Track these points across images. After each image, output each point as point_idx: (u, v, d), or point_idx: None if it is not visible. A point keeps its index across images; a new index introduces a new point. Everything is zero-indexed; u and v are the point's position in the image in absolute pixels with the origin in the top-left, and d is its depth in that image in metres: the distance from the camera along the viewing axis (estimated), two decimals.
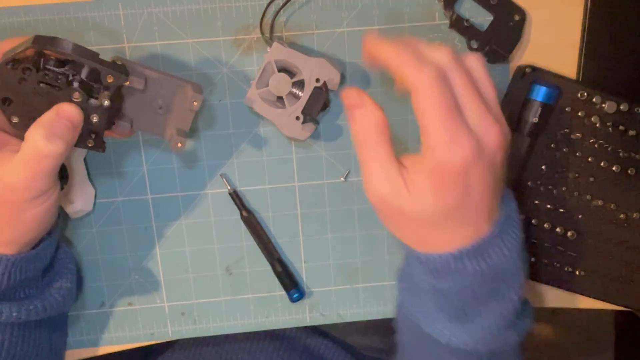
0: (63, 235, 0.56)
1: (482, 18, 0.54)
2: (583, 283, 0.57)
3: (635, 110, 0.54)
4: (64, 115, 0.43)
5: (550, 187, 0.56)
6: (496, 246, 0.43)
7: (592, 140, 0.55)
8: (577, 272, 0.57)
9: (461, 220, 0.42)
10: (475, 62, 0.43)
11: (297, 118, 0.52)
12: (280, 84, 0.52)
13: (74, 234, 0.56)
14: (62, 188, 0.53)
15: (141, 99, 0.47)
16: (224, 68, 0.54)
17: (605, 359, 1.30)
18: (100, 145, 0.46)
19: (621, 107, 0.54)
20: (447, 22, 0.54)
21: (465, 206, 0.41)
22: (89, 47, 0.46)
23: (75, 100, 0.44)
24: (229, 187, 0.56)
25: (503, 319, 0.46)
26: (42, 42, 0.42)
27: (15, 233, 0.46)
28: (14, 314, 0.47)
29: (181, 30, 0.53)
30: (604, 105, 0.54)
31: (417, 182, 0.41)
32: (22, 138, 0.43)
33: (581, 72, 0.55)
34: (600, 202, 0.56)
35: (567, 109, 0.54)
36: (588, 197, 0.56)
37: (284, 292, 0.58)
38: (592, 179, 0.55)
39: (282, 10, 0.53)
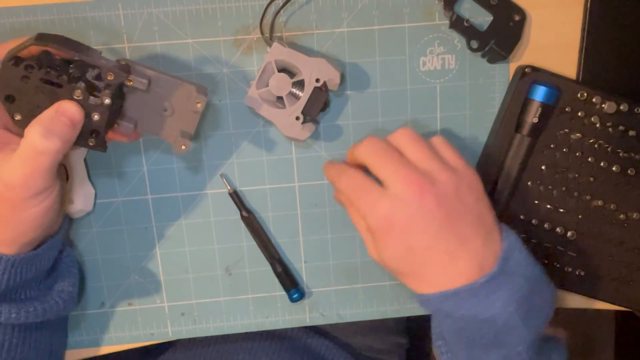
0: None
1: (482, 18, 0.54)
2: (583, 283, 0.57)
3: (635, 110, 0.54)
4: (64, 113, 0.43)
5: (550, 187, 0.56)
6: (483, 297, 0.45)
7: (592, 141, 0.55)
8: (577, 272, 0.57)
9: (427, 261, 0.46)
10: (400, 133, 0.49)
11: (297, 118, 0.52)
12: (280, 84, 0.52)
13: (74, 234, 0.56)
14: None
15: (146, 100, 0.47)
16: (224, 68, 0.54)
17: (605, 359, 1.30)
18: (101, 145, 0.46)
19: (621, 107, 0.54)
20: (447, 22, 0.54)
21: (418, 246, 0.46)
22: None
23: (77, 98, 0.44)
24: (229, 187, 0.56)
25: None
26: (44, 40, 0.42)
27: (14, 232, 0.46)
28: (13, 315, 0.47)
29: (181, 31, 0.53)
30: (604, 106, 0.54)
31: (373, 243, 0.48)
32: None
33: (581, 72, 0.55)
34: (600, 202, 0.56)
35: (567, 109, 0.54)
36: (588, 197, 0.56)
37: (283, 293, 0.58)
38: (592, 179, 0.55)
39: (282, 11, 0.53)
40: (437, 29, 0.55)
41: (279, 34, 0.54)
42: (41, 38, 0.43)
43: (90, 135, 0.45)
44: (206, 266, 0.58)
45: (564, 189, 0.55)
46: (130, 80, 0.45)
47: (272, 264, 0.58)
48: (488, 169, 0.55)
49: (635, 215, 0.56)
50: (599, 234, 0.56)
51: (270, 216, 0.57)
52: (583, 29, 0.54)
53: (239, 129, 0.56)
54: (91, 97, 0.44)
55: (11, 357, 0.49)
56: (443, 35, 0.55)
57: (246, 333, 0.60)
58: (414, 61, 0.55)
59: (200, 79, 0.54)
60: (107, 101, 0.44)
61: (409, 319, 0.76)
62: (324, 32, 0.54)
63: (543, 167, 0.55)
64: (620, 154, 0.55)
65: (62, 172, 0.52)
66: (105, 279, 0.57)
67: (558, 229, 0.56)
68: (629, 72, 0.55)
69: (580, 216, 0.56)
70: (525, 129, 0.54)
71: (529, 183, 0.55)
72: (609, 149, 0.55)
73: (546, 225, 0.56)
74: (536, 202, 0.56)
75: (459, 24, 0.53)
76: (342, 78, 0.54)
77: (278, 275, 0.58)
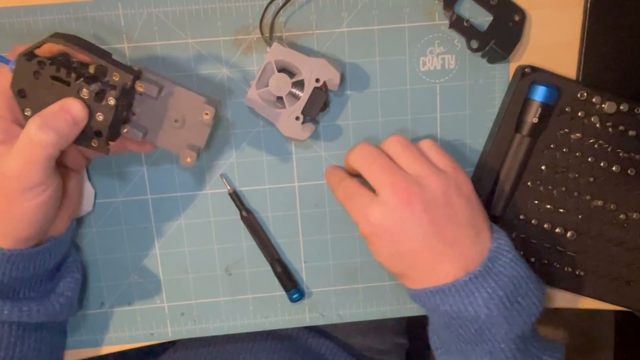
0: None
1: (482, 18, 0.54)
2: (583, 283, 0.57)
3: (635, 110, 0.54)
4: (67, 110, 0.44)
5: (550, 187, 0.56)
6: (465, 294, 0.47)
7: (592, 141, 0.55)
8: (577, 272, 0.57)
9: (416, 262, 0.48)
10: (390, 140, 0.51)
11: (297, 118, 0.52)
12: (280, 84, 0.52)
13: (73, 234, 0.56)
14: None
15: (157, 110, 0.47)
16: (223, 68, 0.54)
17: (605, 359, 1.30)
18: (104, 147, 0.46)
19: (621, 107, 0.54)
20: (447, 22, 0.54)
21: (407, 249, 0.48)
22: None
23: (83, 96, 0.44)
24: (229, 187, 0.56)
25: None
26: (59, 37, 0.43)
27: (8, 226, 0.46)
28: (6, 312, 0.47)
29: (181, 31, 0.53)
30: (603, 106, 0.54)
31: (368, 245, 0.50)
32: None
33: (581, 72, 0.55)
34: (600, 203, 0.56)
35: (567, 109, 0.54)
36: (588, 197, 0.56)
37: (283, 293, 0.58)
38: (592, 179, 0.55)
39: (282, 11, 0.53)
40: (437, 29, 0.55)
41: (278, 34, 0.54)
42: (56, 36, 0.44)
43: (94, 136, 0.45)
44: (206, 266, 0.58)
45: (564, 189, 0.55)
46: (140, 86, 0.45)
47: (272, 264, 0.58)
48: (488, 168, 0.55)
49: (635, 215, 0.56)
50: (599, 234, 0.56)
51: (270, 216, 0.57)
52: (583, 29, 0.54)
53: (238, 129, 0.56)
54: (97, 97, 0.44)
55: (9, 356, 0.49)
56: (443, 35, 0.55)
57: (246, 333, 0.60)
58: (414, 61, 0.55)
59: (200, 79, 0.54)
60: (112, 101, 0.44)
61: (408, 320, 0.76)
62: (323, 32, 0.54)
63: (543, 167, 0.55)
64: (620, 154, 0.55)
65: (69, 177, 0.52)
66: (105, 279, 0.57)
67: (558, 229, 0.56)
68: (629, 72, 0.55)
69: (580, 216, 0.56)
70: (525, 129, 0.54)
71: (529, 183, 0.55)
72: (609, 149, 0.55)
73: (546, 225, 0.56)
74: (536, 202, 0.56)
75: (459, 24, 0.53)
76: (342, 78, 0.54)
77: (278, 275, 0.58)
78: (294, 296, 0.58)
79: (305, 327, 0.66)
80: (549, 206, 0.56)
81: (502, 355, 0.48)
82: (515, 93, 0.54)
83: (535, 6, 0.54)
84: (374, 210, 0.47)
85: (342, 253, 0.58)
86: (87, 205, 0.55)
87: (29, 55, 0.44)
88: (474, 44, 0.54)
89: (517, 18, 0.53)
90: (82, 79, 0.44)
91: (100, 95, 0.44)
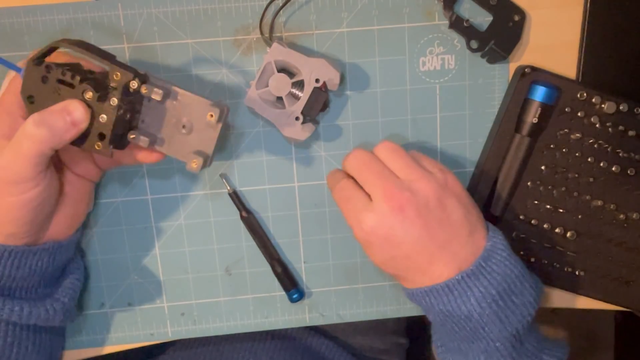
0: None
1: (482, 18, 0.54)
2: (583, 283, 0.57)
3: (635, 110, 0.54)
4: (69, 112, 0.44)
5: (550, 187, 0.56)
6: (459, 293, 0.48)
7: (591, 141, 0.55)
8: (577, 272, 0.57)
9: (410, 265, 0.49)
10: (381, 146, 0.51)
11: (297, 118, 0.52)
12: (280, 84, 0.52)
13: None
14: None
15: (164, 117, 0.47)
16: (223, 68, 0.54)
17: (605, 359, 1.30)
18: (107, 150, 0.46)
19: (621, 108, 0.54)
20: (447, 22, 0.54)
21: (400, 254, 0.48)
22: None
23: (87, 98, 0.44)
24: (228, 188, 0.56)
25: (492, 359, 0.49)
26: (65, 42, 0.44)
27: None
28: None
29: (181, 31, 0.53)
30: (603, 106, 0.54)
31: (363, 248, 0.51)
32: None
33: (581, 72, 0.55)
34: (600, 202, 0.56)
35: (567, 109, 0.54)
36: (588, 197, 0.56)
37: (283, 293, 0.58)
38: (592, 179, 0.55)
39: (281, 11, 0.53)
40: (437, 29, 0.55)
41: (278, 34, 0.54)
42: (62, 41, 0.44)
43: (98, 139, 0.45)
44: (206, 266, 0.58)
45: (563, 189, 0.55)
46: (145, 89, 0.45)
47: (271, 264, 0.58)
48: (488, 169, 0.55)
49: (635, 215, 0.56)
50: (598, 234, 0.56)
51: (270, 216, 0.57)
52: (583, 29, 0.54)
53: (238, 129, 0.56)
54: (100, 98, 0.44)
55: (6, 357, 0.49)
56: (443, 36, 0.55)
57: (246, 333, 0.60)
58: (414, 61, 0.55)
59: (200, 79, 0.54)
60: (114, 102, 0.44)
61: (409, 320, 0.76)
62: (323, 32, 0.54)
63: (543, 167, 0.55)
64: (620, 154, 0.55)
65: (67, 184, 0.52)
66: (105, 279, 0.57)
67: (558, 229, 0.56)
68: (629, 72, 0.55)
69: (580, 216, 0.56)
70: (525, 129, 0.54)
71: (529, 183, 0.55)
72: (608, 149, 0.55)
73: (546, 225, 0.56)
74: (536, 202, 0.56)
75: (458, 24, 0.53)
76: (342, 78, 0.54)
77: (278, 275, 0.58)
78: (294, 296, 0.58)
79: (306, 327, 0.66)
80: (548, 206, 0.56)
81: (497, 353, 0.48)
82: (515, 93, 0.54)
83: (535, 6, 0.54)
84: (367, 217, 0.48)
85: (342, 253, 0.58)
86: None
87: (38, 60, 0.44)
88: (474, 44, 0.54)
89: (517, 18, 0.53)
90: (86, 81, 0.44)
91: (103, 97, 0.44)
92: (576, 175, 0.55)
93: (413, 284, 0.50)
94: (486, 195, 0.56)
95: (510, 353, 0.48)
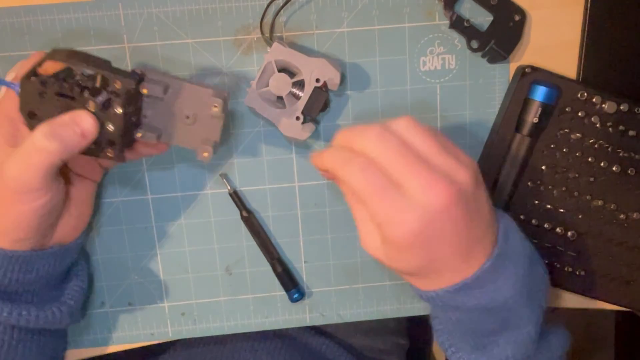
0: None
1: (482, 18, 0.54)
2: (583, 283, 0.57)
3: (636, 110, 0.54)
4: (77, 122, 0.43)
5: (550, 187, 0.56)
6: (490, 282, 0.44)
7: (592, 141, 0.55)
8: (577, 272, 0.57)
9: (442, 266, 0.43)
10: (404, 124, 0.43)
11: (297, 118, 0.52)
12: (280, 84, 0.52)
13: None
14: None
15: (167, 109, 0.47)
16: (224, 68, 0.54)
17: (605, 359, 1.30)
18: (119, 156, 0.46)
19: (621, 107, 0.54)
20: (447, 22, 0.54)
21: (438, 257, 0.43)
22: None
23: (90, 109, 0.44)
24: (229, 187, 0.56)
25: (520, 348, 0.47)
26: (56, 55, 0.43)
27: (3, 224, 0.45)
28: (4, 314, 0.47)
29: (181, 31, 0.53)
30: (604, 106, 0.54)
31: (385, 247, 0.44)
32: None
33: (581, 72, 0.55)
34: (600, 202, 0.56)
35: (567, 109, 0.54)
36: (588, 197, 0.56)
37: (284, 292, 0.58)
38: (592, 179, 0.55)
39: (282, 10, 0.53)
40: (437, 29, 0.55)
41: (279, 34, 0.54)
42: (53, 52, 0.44)
43: (108, 146, 0.45)
44: (206, 266, 0.58)
45: (564, 189, 0.55)
46: (145, 89, 0.45)
47: (272, 264, 0.58)
48: (488, 169, 0.55)
49: (635, 215, 0.56)
50: (599, 234, 0.56)
51: (270, 216, 0.57)
52: (583, 29, 0.54)
53: (239, 129, 0.56)
54: (104, 107, 0.44)
55: (11, 359, 0.49)
56: (443, 35, 0.55)
57: (247, 332, 0.60)
58: (414, 61, 0.55)
59: (200, 79, 0.54)
60: (119, 110, 0.44)
61: (409, 320, 0.76)
62: (324, 32, 0.54)
63: (543, 167, 0.55)
64: (621, 154, 0.55)
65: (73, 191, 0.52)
66: (105, 279, 0.57)
67: (558, 229, 0.56)
68: (629, 72, 0.55)
69: (580, 216, 0.56)
70: (525, 129, 0.54)
71: (529, 183, 0.55)
72: (609, 149, 0.55)
73: (546, 225, 0.56)
74: (536, 202, 0.56)
75: (459, 24, 0.53)
76: (342, 78, 0.54)
77: (278, 275, 0.58)
78: (294, 296, 0.58)
79: (306, 327, 0.66)
80: (549, 206, 0.56)
81: (527, 339, 0.46)
82: (516, 93, 0.54)
83: (536, 6, 0.54)
84: (411, 217, 0.40)
85: (342, 253, 0.58)
86: None
87: (31, 76, 0.43)
88: (474, 44, 0.54)
89: (517, 18, 0.53)
90: (87, 91, 0.44)
91: (106, 106, 0.44)
92: (576, 175, 0.55)
93: (437, 284, 0.45)
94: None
95: (535, 340, 0.46)
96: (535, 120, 0.53)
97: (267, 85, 0.52)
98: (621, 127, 0.54)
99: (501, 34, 0.54)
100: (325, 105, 0.54)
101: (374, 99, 0.56)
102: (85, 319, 0.58)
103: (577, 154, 0.55)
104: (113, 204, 0.56)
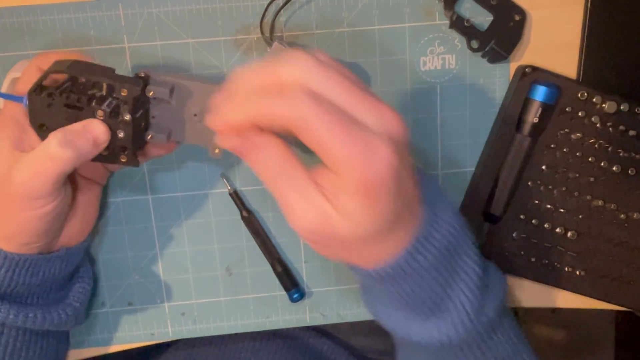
0: None
1: (482, 18, 0.54)
2: (583, 283, 0.57)
3: (636, 110, 0.54)
4: (89, 129, 0.44)
5: (550, 187, 0.56)
6: (437, 227, 0.41)
7: (592, 140, 0.55)
8: (577, 272, 0.57)
9: (401, 222, 0.39)
10: (322, 57, 0.37)
11: None
12: None
13: None
14: None
15: (174, 108, 0.47)
16: (224, 68, 0.54)
17: (605, 359, 1.30)
18: (133, 160, 0.46)
19: (621, 107, 0.54)
20: (447, 22, 0.54)
21: (402, 207, 0.38)
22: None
23: (99, 117, 0.44)
24: (229, 187, 0.56)
25: (472, 293, 0.44)
26: (58, 67, 0.43)
27: (9, 228, 0.45)
28: (11, 317, 0.47)
29: (181, 30, 0.53)
30: (604, 105, 0.54)
31: (345, 203, 0.37)
32: None
33: (581, 72, 0.55)
34: (600, 202, 0.56)
35: (567, 109, 0.54)
36: (588, 197, 0.56)
37: (284, 292, 0.58)
38: (592, 179, 0.55)
39: (282, 10, 0.53)
40: (438, 29, 0.55)
41: (279, 34, 0.54)
42: (56, 65, 0.44)
43: (121, 152, 0.45)
44: (206, 266, 0.58)
45: (564, 188, 0.55)
46: (150, 91, 0.45)
47: (272, 264, 0.58)
48: (488, 168, 0.55)
49: (635, 215, 0.56)
50: (599, 234, 0.56)
51: (271, 216, 0.57)
52: (583, 29, 0.54)
53: None
54: (112, 115, 0.44)
55: None
56: (443, 35, 0.55)
57: (247, 332, 0.60)
58: (414, 61, 0.55)
59: (201, 79, 0.54)
60: (128, 117, 0.44)
61: None
62: (324, 31, 0.54)
63: (543, 167, 0.55)
64: (621, 154, 0.55)
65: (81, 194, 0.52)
66: (105, 279, 0.57)
67: (558, 229, 0.56)
68: (629, 72, 0.55)
69: (580, 216, 0.56)
70: (526, 129, 0.54)
71: (529, 183, 0.55)
72: (609, 149, 0.55)
73: (546, 225, 0.56)
74: (536, 202, 0.56)
75: (459, 24, 0.53)
76: None
77: (278, 275, 0.58)
78: (295, 296, 0.58)
79: (307, 327, 0.66)
80: (549, 206, 0.56)
81: (476, 278, 0.43)
82: (516, 93, 0.54)
83: (536, 6, 0.54)
84: (384, 150, 0.36)
85: None
86: None
87: (38, 89, 0.43)
88: (475, 44, 0.54)
89: (517, 18, 0.53)
90: (94, 100, 0.44)
91: (115, 113, 0.44)
92: (577, 175, 0.55)
93: (394, 247, 0.40)
94: (486, 195, 0.56)
95: (480, 277, 0.44)
96: (536, 120, 0.53)
97: None
98: (621, 127, 0.54)
99: (501, 33, 0.54)
100: None
101: None
102: (86, 319, 0.58)
103: (578, 154, 0.55)
104: (113, 204, 0.56)
